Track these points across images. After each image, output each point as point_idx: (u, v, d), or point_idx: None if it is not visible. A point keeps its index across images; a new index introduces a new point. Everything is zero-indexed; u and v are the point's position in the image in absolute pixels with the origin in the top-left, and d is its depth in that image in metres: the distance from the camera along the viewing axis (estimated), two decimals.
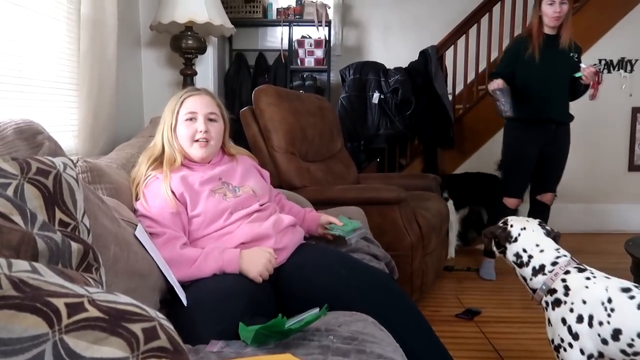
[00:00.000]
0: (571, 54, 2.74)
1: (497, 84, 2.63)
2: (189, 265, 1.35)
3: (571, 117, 2.87)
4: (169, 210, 1.42)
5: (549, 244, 1.42)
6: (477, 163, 4.16)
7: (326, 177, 2.72)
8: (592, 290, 1.21)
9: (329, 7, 4.44)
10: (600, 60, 4.07)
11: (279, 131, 2.54)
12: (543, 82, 2.73)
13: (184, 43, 2.51)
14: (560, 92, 2.77)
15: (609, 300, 1.18)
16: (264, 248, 1.42)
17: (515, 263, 1.46)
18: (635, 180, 4.18)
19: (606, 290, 1.19)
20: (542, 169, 2.87)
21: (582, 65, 2.62)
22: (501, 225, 1.53)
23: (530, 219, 1.53)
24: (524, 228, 1.47)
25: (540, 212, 2.84)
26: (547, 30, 2.73)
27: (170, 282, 1.27)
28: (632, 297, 1.16)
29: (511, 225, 1.50)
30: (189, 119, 1.54)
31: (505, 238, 1.48)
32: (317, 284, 1.42)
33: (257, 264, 1.36)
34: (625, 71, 4.09)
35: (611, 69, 4.09)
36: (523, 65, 2.74)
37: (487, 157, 4.15)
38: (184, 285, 1.33)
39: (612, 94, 4.10)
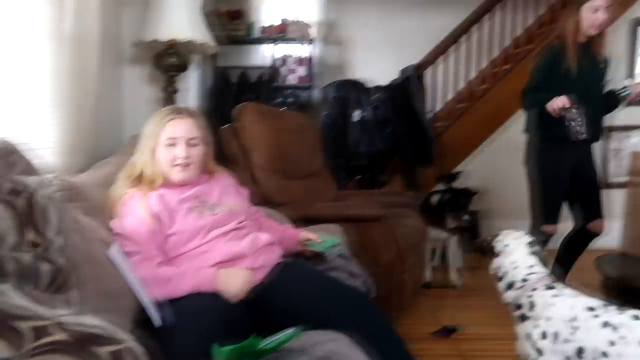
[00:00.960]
0: (601, 65, 2.54)
1: (563, 102, 2.34)
2: (164, 285, 1.35)
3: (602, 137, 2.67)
4: (145, 228, 1.43)
5: (525, 261, 1.45)
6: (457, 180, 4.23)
7: (306, 195, 2.74)
8: (558, 308, 1.25)
9: (313, 25, 4.51)
10: None
11: (259, 149, 2.57)
12: (579, 96, 2.42)
13: (166, 61, 2.53)
14: (596, 108, 2.50)
15: (574, 319, 1.21)
16: (241, 268, 1.43)
17: (495, 277, 1.50)
18: (607, 198, 4.27)
19: (571, 308, 1.23)
20: (582, 194, 2.64)
21: (627, 82, 2.48)
22: (490, 237, 1.57)
23: (523, 236, 1.55)
24: (508, 245, 1.50)
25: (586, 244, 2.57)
26: (579, 38, 2.48)
27: (142, 302, 1.27)
28: (596, 316, 1.20)
29: (498, 240, 1.54)
30: (170, 144, 1.55)
31: (490, 251, 1.52)
32: (294, 303, 1.44)
33: (233, 284, 1.37)
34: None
35: None
36: (558, 78, 2.45)
37: (467, 172, 4.24)
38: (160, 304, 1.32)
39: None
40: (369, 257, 2.31)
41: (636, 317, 1.15)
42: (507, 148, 4.25)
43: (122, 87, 2.78)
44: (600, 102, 2.52)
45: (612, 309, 1.19)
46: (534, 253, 1.45)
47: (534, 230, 2.59)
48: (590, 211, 2.62)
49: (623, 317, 1.16)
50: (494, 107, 4.16)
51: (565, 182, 2.58)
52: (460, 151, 4.21)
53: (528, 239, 1.52)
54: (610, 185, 4.27)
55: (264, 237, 1.60)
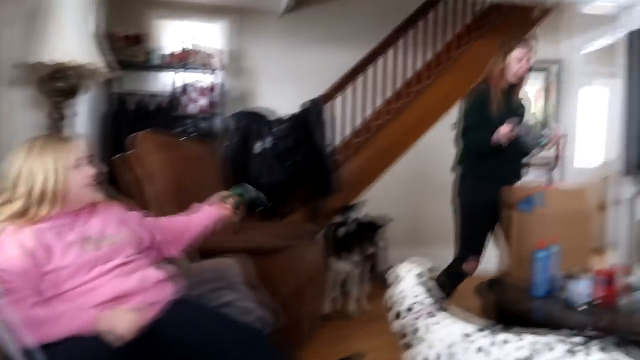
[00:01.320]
0: (519, 109, 2.68)
1: (506, 128, 2.43)
2: (37, 328, 1.23)
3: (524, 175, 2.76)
4: (16, 267, 1.30)
5: (412, 291, 1.52)
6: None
7: None
8: (437, 335, 1.33)
9: (219, 54, 4.50)
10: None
11: (155, 179, 2.46)
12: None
13: (51, 85, 2.37)
14: (515, 149, 2.57)
15: (452, 345, 1.30)
16: (127, 308, 1.35)
17: (387, 306, 1.55)
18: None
19: (450, 334, 1.32)
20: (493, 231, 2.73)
21: (545, 131, 2.53)
22: (391, 267, 1.64)
23: (414, 267, 1.60)
24: (398, 275, 1.57)
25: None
26: (503, 83, 2.62)
27: (9, 348, 1.15)
28: (472, 342, 1.29)
29: (391, 271, 1.61)
30: (77, 165, 1.48)
31: (385, 281, 1.59)
32: (186, 343, 1.39)
33: (118, 326, 1.28)
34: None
35: None
36: (486, 119, 2.56)
37: (367, 205, 4.40)
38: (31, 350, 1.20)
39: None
40: (268, 289, 2.30)
41: (506, 342, 1.26)
42: (406, 178, 4.51)
43: (1, 112, 2.54)
44: (520, 144, 2.57)
45: (486, 334, 1.30)
46: (422, 283, 1.53)
47: (459, 260, 2.68)
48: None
49: (495, 341, 1.27)
50: (390, 141, 4.41)
51: (486, 216, 2.65)
52: (360, 182, 4.38)
53: (418, 269, 1.59)
54: None
55: (154, 274, 1.52)
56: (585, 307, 1.83)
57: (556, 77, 4.80)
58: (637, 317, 1.81)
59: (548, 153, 2.76)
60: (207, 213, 1.82)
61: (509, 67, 2.56)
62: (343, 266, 3.31)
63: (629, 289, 1.89)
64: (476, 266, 2.63)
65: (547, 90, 4.78)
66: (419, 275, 1.56)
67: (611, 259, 3.52)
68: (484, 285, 2.19)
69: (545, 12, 4.59)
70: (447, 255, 2.75)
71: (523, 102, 2.74)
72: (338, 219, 3.81)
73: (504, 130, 2.42)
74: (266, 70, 4.85)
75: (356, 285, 3.38)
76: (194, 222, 1.79)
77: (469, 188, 2.71)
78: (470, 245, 2.68)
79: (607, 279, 1.85)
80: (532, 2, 3.37)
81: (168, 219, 1.82)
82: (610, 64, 3.63)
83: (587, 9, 3.43)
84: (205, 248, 2.26)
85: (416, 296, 1.49)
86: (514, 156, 2.63)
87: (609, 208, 3.99)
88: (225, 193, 1.81)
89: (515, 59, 2.54)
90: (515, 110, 2.62)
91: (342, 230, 3.46)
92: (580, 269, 1.94)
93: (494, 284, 2.22)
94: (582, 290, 1.85)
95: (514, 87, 2.63)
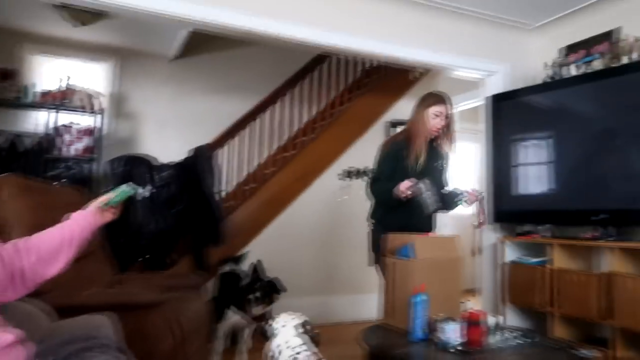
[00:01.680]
0: (436, 163, 2.72)
1: (405, 184, 2.47)
2: None
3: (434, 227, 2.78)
4: None
5: (291, 342, 1.51)
6: (246, 259, 4.29)
7: (75, 280, 2.42)
8: None
9: (102, 96, 4.29)
10: (347, 169, 4.79)
11: (18, 227, 2.22)
12: None
13: None
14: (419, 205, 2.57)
15: None
16: None
17: (272, 357, 1.51)
18: (373, 273, 4.78)
19: None
20: None
21: (464, 191, 2.57)
22: (268, 321, 1.62)
23: (294, 319, 1.61)
24: (277, 327, 1.54)
25: None
26: (424, 137, 2.69)
27: None
28: None
29: (271, 323, 1.59)
30: None
31: (265, 334, 1.55)
32: None
33: None
34: (367, 178, 4.87)
35: (356, 176, 4.83)
36: (401, 171, 2.61)
37: (256, 253, 4.34)
38: None
39: (357, 198, 4.82)
40: (148, 347, 2.13)
41: None
42: (291, 228, 4.54)
43: None
44: (417, 202, 2.56)
45: None
46: (299, 335, 1.52)
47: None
48: None
49: None
50: (278, 190, 4.45)
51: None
52: (249, 231, 4.33)
53: (298, 321, 1.59)
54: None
55: (8, 337, 1.34)
56: (456, 348, 1.94)
57: None
58: (502, 354, 1.95)
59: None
60: (85, 221, 1.64)
61: (427, 122, 2.63)
62: (238, 320, 3.19)
63: (495, 328, 2.06)
64: None
65: None
66: (296, 327, 1.56)
67: (480, 301, 3.80)
68: (365, 333, 2.23)
69: (422, 74, 5.07)
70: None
71: (445, 156, 2.75)
72: (227, 268, 3.70)
73: (402, 186, 2.47)
74: (152, 115, 4.70)
75: (246, 339, 3.27)
76: (70, 232, 1.60)
77: (378, 239, 2.69)
78: None
79: (474, 320, 1.99)
80: (408, 65, 3.69)
81: (38, 236, 1.59)
82: (477, 123, 4.07)
83: (456, 74, 3.84)
84: (72, 305, 2.05)
85: (294, 347, 1.48)
86: (420, 211, 2.58)
87: (478, 253, 4.35)
88: (102, 199, 1.66)
89: (432, 115, 2.62)
90: (437, 164, 2.68)
91: (242, 283, 3.32)
92: (453, 312, 2.08)
93: (374, 331, 2.27)
94: (453, 333, 1.96)
95: (435, 142, 2.70)
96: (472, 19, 3.63)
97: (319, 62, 4.77)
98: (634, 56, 3.01)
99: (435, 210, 2.54)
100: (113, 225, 3.75)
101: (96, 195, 3.77)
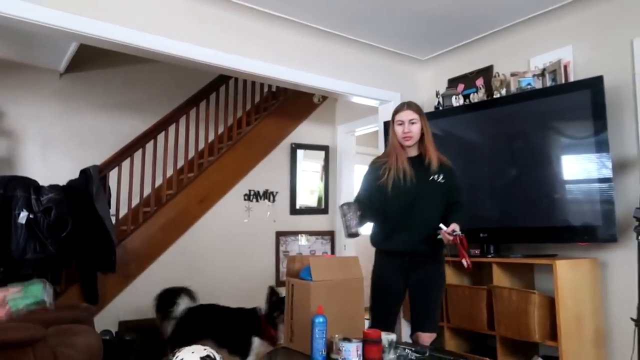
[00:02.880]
0: (432, 177, 2.50)
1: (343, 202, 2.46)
2: None
3: (434, 247, 2.49)
4: None
5: None
6: (143, 285, 4.06)
7: None
8: None
9: None
10: (250, 191, 4.75)
11: None
12: (397, 209, 2.49)
13: None
14: (418, 220, 2.47)
15: None
16: None
17: None
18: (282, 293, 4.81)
19: None
20: (410, 305, 2.60)
21: (442, 227, 2.34)
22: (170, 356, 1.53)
23: (198, 349, 1.54)
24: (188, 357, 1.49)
25: None
26: (410, 152, 2.55)
27: None
28: None
29: (176, 357, 1.51)
30: None
31: None
32: None
33: None
34: (269, 201, 4.88)
35: (258, 198, 4.81)
36: (378, 191, 2.52)
37: (153, 279, 4.13)
38: None
39: (260, 220, 4.80)
40: None
41: None
42: (193, 251, 4.39)
43: None
44: (431, 213, 2.46)
45: None
46: None
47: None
48: (413, 322, 2.60)
49: None
50: (179, 212, 4.29)
51: (388, 291, 2.55)
52: (146, 256, 4.11)
53: (203, 352, 1.54)
54: (282, 283, 4.85)
55: None
56: None
57: (333, 156, 5.40)
58: None
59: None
60: None
61: (395, 132, 2.52)
62: (266, 346, 3.10)
63: (389, 345, 2.14)
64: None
65: (325, 168, 5.34)
66: (203, 358, 1.52)
67: None
68: (267, 356, 2.21)
69: (324, 98, 5.23)
70: None
71: (444, 169, 2.54)
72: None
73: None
74: (35, 133, 4.32)
75: None
76: None
77: (374, 259, 2.67)
78: (374, 321, 2.60)
79: (370, 339, 2.05)
80: (310, 90, 3.80)
81: None
82: (375, 146, 4.27)
83: (355, 100, 4.02)
84: None
85: None
86: (410, 227, 2.48)
87: None
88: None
89: (397, 123, 2.51)
90: (427, 179, 2.48)
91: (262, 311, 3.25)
92: (356, 332, 2.13)
93: (275, 356, 2.25)
94: (354, 351, 2.01)
95: (424, 156, 2.52)
96: (369, 50, 3.84)
97: (222, 81, 4.72)
98: (503, 92, 3.38)
99: (353, 235, 2.35)
100: None
101: None
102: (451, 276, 3.34)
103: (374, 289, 2.62)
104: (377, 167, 2.58)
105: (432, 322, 2.54)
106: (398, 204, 2.49)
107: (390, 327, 2.51)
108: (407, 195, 2.47)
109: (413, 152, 2.56)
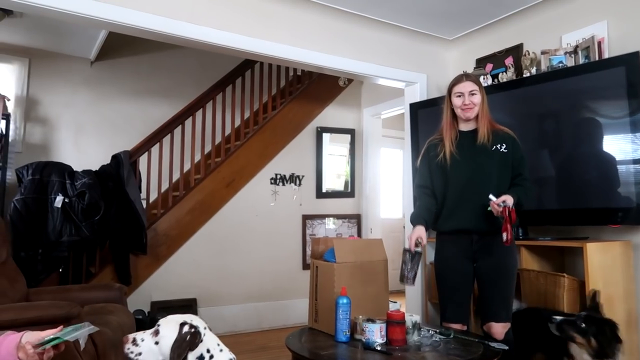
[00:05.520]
0: (494, 147, 2.34)
1: (411, 240, 2.27)
2: None
3: (499, 224, 2.23)
4: None
5: (222, 344, 1.46)
6: (173, 267, 4.18)
7: None
8: None
9: (8, 99, 3.99)
10: (276, 175, 4.79)
11: None
12: (457, 185, 2.35)
13: None
14: (481, 195, 2.25)
15: None
16: None
17: None
18: (302, 278, 4.68)
19: None
20: (479, 292, 2.41)
21: (492, 197, 2.19)
22: (191, 329, 1.42)
23: (187, 316, 1.46)
24: (206, 327, 1.45)
25: None
26: (463, 127, 2.42)
27: None
28: None
29: (197, 326, 1.43)
30: None
31: (196, 343, 1.40)
32: None
33: None
34: (295, 184, 4.91)
35: (285, 182, 4.85)
36: (436, 171, 2.41)
37: (184, 261, 4.24)
38: None
39: (286, 204, 4.85)
40: None
41: None
42: (220, 234, 4.47)
43: None
44: (493, 187, 2.27)
45: None
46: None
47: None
48: (483, 312, 2.39)
49: None
50: (207, 196, 4.37)
51: (453, 276, 2.38)
52: (175, 239, 4.21)
53: (204, 324, 1.46)
54: (309, 267, 4.90)
55: None
56: (381, 347, 2.00)
57: (359, 139, 5.38)
58: (421, 351, 2.04)
59: None
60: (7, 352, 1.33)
61: (454, 106, 2.38)
62: None
63: (413, 327, 2.15)
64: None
65: (352, 151, 5.33)
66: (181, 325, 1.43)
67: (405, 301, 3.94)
68: (290, 337, 2.25)
69: (349, 81, 5.19)
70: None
71: (502, 138, 2.37)
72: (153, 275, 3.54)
73: (410, 237, 2.28)
74: (68, 120, 4.45)
75: None
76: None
77: (435, 246, 2.53)
78: (441, 311, 2.47)
79: (394, 320, 2.06)
80: (335, 73, 3.77)
81: None
82: (402, 129, 4.22)
83: (380, 82, 3.97)
84: None
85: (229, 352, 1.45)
86: (476, 202, 2.29)
87: None
88: (43, 335, 1.36)
89: (455, 95, 2.37)
90: (485, 153, 2.33)
91: (557, 320, 2.25)
92: (380, 313, 2.15)
93: (299, 335, 2.29)
94: (375, 333, 2.03)
95: (477, 129, 2.37)
96: (393, 31, 3.78)
97: (248, 65, 4.74)
98: (533, 71, 3.28)
99: (406, 284, 2.30)
100: (28, 237, 3.54)
101: (7, 203, 3.51)
102: None
103: (440, 279, 2.44)
104: (432, 145, 2.47)
105: (504, 310, 2.31)
106: (458, 180, 2.35)
107: (464, 319, 2.39)
108: (466, 170, 2.34)
109: (469, 126, 2.41)
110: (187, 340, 1.40)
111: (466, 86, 2.35)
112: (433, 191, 2.44)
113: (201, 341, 1.43)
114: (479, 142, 2.33)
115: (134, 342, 1.44)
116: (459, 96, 2.35)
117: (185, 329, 1.42)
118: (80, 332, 1.39)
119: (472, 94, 2.33)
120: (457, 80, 2.40)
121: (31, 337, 1.36)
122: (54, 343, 1.34)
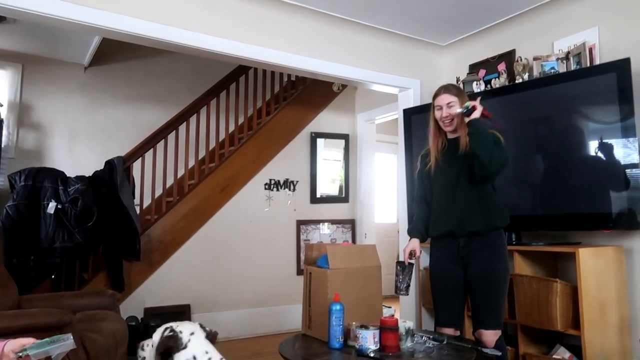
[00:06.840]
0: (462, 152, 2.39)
1: (405, 252, 2.43)
2: None
3: (491, 226, 2.33)
4: None
5: (212, 349, 1.46)
6: (167, 273, 4.16)
7: None
8: None
9: (1, 105, 3.99)
10: (270, 180, 4.79)
11: None
12: (441, 190, 2.43)
13: None
14: (463, 199, 2.35)
15: None
16: None
17: None
18: (296, 284, 4.65)
19: None
20: (470, 299, 2.41)
21: (467, 103, 2.30)
22: (169, 333, 1.46)
23: (199, 326, 1.51)
24: (193, 333, 1.46)
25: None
26: (450, 135, 2.47)
27: None
28: None
29: (180, 332, 1.46)
30: None
31: (176, 347, 1.43)
32: None
33: None
34: (290, 190, 4.91)
35: (279, 187, 4.85)
36: (426, 180, 2.52)
37: (177, 267, 4.22)
38: None
39: (281, 209, 4.84)
40: None
41: None
42: (215, 240, 4.46)
43: None
44: (474, 192, 2.34)
45: None
46: (208, 336, 1.49)
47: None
48: (474, 319, 2.38)
49: None
50: (201, 201, 4.36)
51: (442, 280, 2.42)
52: (169, 244, 4.20)
53: (202, 331, 1.50)
54: (302, 272, 4.89)
55: None
56: (374, 354, 2.00)
57: (354, 145, 5.38)
58: (415, 357, 2.04)
59: None
60: None
61: (436, 118, 2.45)
62: None
63: (406, 333, 2.15)
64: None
65: (346, 156, 5.33)
66: (204, 329, 1.50)
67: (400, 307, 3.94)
68: (286, 343, 2.24)
69: (343, 86, 5.21)
70: None
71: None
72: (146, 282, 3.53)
73: (404, 250, 2.46)
74: (62, 125, 4.44)
75: None
76: None
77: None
78: (435, 314, 2.51)
79: (387, 326, 2.06)
80: (328, 78, 3.78)
81: None
82: (396, 134, 4.23)
83: (374, 87, 3.99)
84: None
85: (221, 359, 1.44)
86: (459, 205, 2.36)
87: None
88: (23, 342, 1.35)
89: (436, 108, 2.43)
90: (465, 156, 2.33)
91: None
92: (374, 319, 2.14)
93: (293, 342, 2.28)
94: (370, 339, 2.02)
95: (458, 138, 2.40)
96: (386, 37, 3.79)
97: (242, 71, 4.75)
98: (525, 77, 3.30)
99: (398, 293, 2.44)
100: (20, 244, 3.52)
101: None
102: None
103: (432, 283, 2.49)
104: (424, 155, 2.57)
105: (494, 317, 2.30)
106: (442, 185, 2.43)
107: (456, 323, 2.41)
108: (448, 176, 2.40)
109: (455, 134, 2.45)
110: (162, 344, 1.44)
111: (444, 99, 2.41)
112: (427, 199, 2.54)
113: (184, 347, 1.44)
114: (461, 150, 2.37)
115: (142, 347, 1.54)
116: (439, 109, 2.42)
117: (166, 333, 1.46)
118: (54, 347, 1.35)
119: (450, 106, 2.39)
120: (436, 93, 2.47)
121: (14, 344, 1.35)
122: (32, 353, 1.31)
